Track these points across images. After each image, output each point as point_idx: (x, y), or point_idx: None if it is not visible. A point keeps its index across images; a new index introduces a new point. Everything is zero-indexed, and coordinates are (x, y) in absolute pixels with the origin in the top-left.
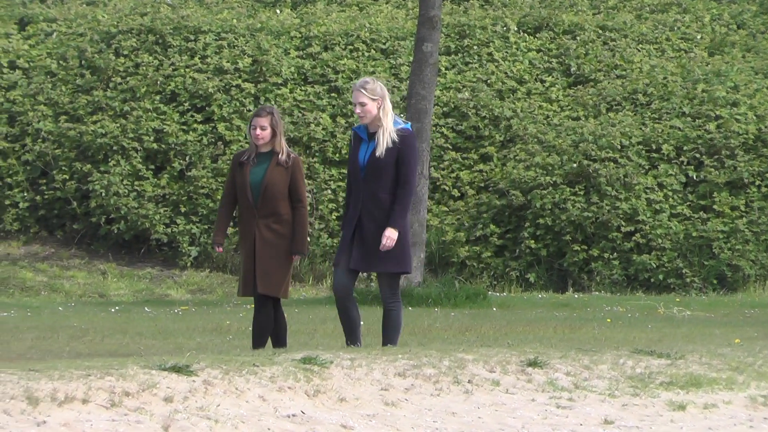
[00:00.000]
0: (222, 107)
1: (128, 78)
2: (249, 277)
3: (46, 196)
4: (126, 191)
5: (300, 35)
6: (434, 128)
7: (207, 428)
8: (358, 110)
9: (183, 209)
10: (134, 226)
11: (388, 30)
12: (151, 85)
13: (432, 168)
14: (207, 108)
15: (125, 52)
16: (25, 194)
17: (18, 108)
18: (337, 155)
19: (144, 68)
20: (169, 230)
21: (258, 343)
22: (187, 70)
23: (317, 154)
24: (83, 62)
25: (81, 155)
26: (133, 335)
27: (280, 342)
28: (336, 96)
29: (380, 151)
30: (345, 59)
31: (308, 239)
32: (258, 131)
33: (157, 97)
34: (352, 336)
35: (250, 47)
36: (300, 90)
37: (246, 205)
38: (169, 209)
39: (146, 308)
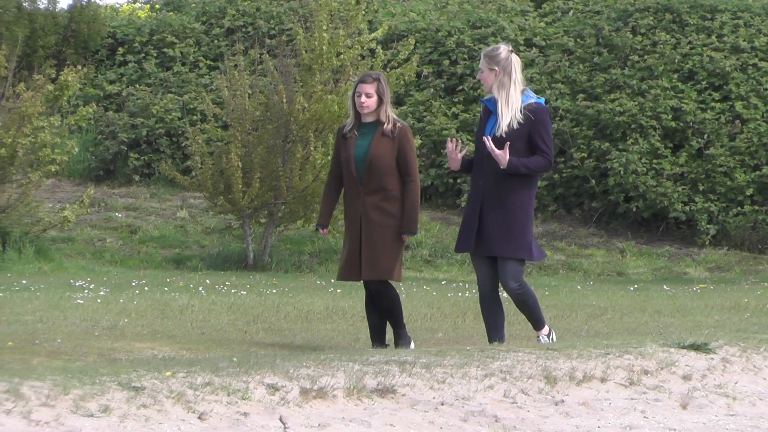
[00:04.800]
0: (739, 86)
1: (645, 56)
2: (352, 262)
3: (564, 175)
4: (644, 169)
5: None
6: None
7: (725, 406)
8: (478, 76)
9: (701, 187)
10: (652, 204)
11: None
12: (668, 63)
13: None
14: (724, 86)
15: (642, 31)
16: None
17: (535, 86)
18: None
19: (661, 46)
20: (687, 208)
21: (377, 338)
22: (704, 48)
23: None
24: (600, 40)
25: (599, 133)
26: (652, 313)
27: (397, 321)
28: None
29: (501, 128)
30: None
31: (419, 217)
32: (363, 99)
33: (675, 76)
34: (496, 332)
35: (766, 26)
36: None
37: (351, 182)
38: (687, 187)
39: (664, 286)
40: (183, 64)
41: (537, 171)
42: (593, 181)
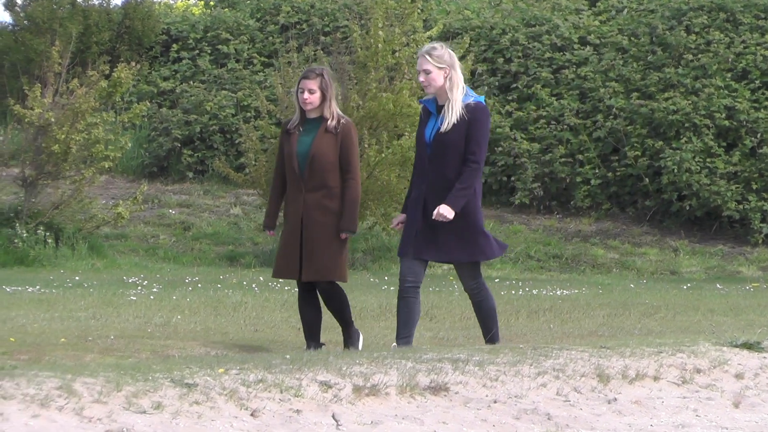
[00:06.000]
0: None
1: (699, 55)
2: (289, 259)
3: (617, 173)
4: (698, 168)
5: None
6: None
7: None
8: (422, 78)
9: (754, 186)
10: (706, 203)
11: None
12: (722, 62)
13: None
14: None
15: (696, 29)
16: (597, 171)
17: (589, 84)
18: None
19: (715, 45)
20: (740, 207)
21: (312, 335)
22: (758, 47)
23: None
24: (654, 39)
25: (653, 132)
26: (705, 312)
27: (346, 321)
28: None
29: (445, 126)
30: None
31: (358, 215)
32: (306, 95)
33: (729, 75)
34: (405, 329)
35: None
36: None
37: (293, 178)
38: (741, 186)
39: (718, 285)
40: (237, 61)
41: (473, 184)
42: (647, 179)
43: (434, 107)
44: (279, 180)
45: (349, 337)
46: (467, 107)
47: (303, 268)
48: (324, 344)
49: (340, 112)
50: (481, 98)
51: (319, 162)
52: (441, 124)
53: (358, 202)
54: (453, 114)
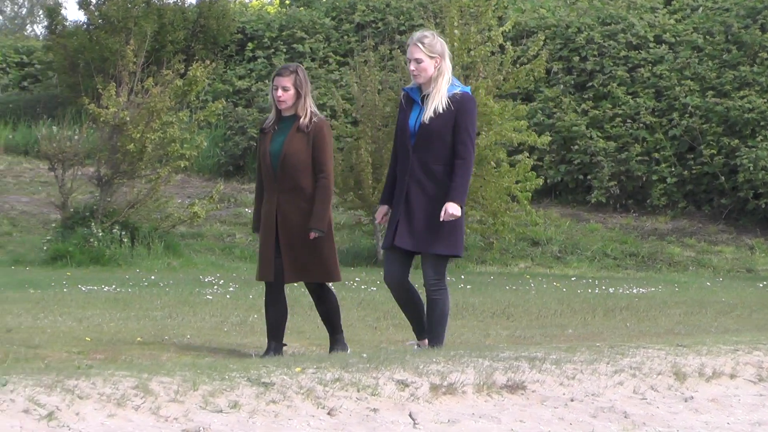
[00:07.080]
0: None
1: None
2: (265, 260)
3: (693, 171)
4: None
5: None
6: None
7: None
8: (412, 67)
9: None
10: None
11: None
12: None
13: None
14: None
15: None
16: (673, 169)
17: (665, 83)
18: None
19: None
20: None
21: (274, 335)
22: None
23: None
24: (729, 37)
25: (728, 130)
26: None
27: (334, 327)
28: None
29: (428, 115)
30: None
31: (330, 215)
32: (280, 92)
33: None
34: (420, 324)
35: None
36: None
37: (268, 178)
38: None
39: None
40: (312, 60)
41: (470, 175)
42: (722, 177)
43: (419, 96)
44: (260, 182)
45: (337, 344)
46: (453, 97)
47: (285, 270)
48: (286, 345)
49: (315, 110)
50: (467, 88)
51: (291, 161)
52: (424, 114)
53: (328, 202)
54: (438, 103)
